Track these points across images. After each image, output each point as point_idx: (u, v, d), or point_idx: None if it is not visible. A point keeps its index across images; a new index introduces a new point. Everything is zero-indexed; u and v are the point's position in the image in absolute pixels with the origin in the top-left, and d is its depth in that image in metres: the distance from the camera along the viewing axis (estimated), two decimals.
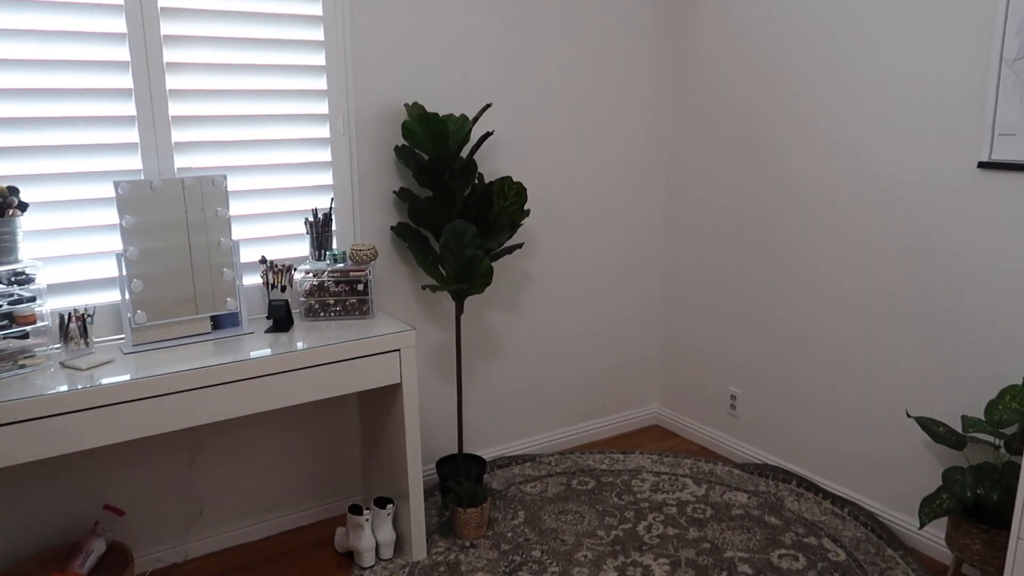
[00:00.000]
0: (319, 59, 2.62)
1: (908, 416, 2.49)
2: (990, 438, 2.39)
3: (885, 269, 2.71)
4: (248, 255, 2.58)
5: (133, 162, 2.37)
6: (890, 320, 2.72)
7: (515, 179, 3.11)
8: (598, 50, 3.23)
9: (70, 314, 2.23)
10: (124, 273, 2.27)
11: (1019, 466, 2.25)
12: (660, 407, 3.82)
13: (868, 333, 2.80)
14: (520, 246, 2.87)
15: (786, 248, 3.06)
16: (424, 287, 2.65)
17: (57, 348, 2.26)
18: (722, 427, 3.48)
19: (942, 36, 2.45)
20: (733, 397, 3.39)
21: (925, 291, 2.59)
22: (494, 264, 3.13)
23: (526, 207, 3.16)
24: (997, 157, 2.35)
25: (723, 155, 3.28)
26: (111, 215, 2.35)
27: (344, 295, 2.59)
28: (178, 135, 2.42)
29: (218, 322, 2.45)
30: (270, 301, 2.51)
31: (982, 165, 2.39)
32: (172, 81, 2.39)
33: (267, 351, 2.27)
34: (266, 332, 2.46)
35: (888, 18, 2.60)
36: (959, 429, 2.53)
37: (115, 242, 2.37)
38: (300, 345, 2.32)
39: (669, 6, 3.40)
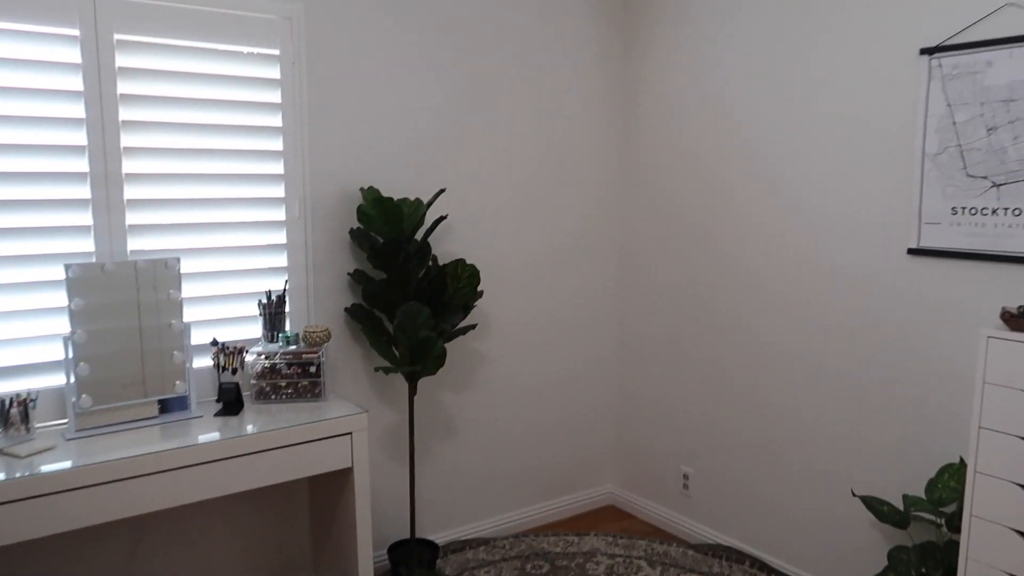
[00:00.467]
0: (276, 144, 2.67)
1: (853, 495, 2.55)
2: (932, 516, 2.45)
3: (829, 351, 2.81)
4: (200, 337, 2.57)
5: (86, 244, 2.36)
6: (836, 400, 2.80)
7: (469, 261, 3.17)
8: (550, 129, 3.36)
9: (11, 399, 2.17)
10: (71, 356, 2.23)
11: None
12: (615, 487, 3.81)
13: (815, 413, 2.88)
14: (474, 327, 2.91)
15: (736, 332, 3.15)
16: (377, 369, 2.66)
17: None
18: (676, 507, 3.48)
19: (870, 134, 2.62)
20: (686, 476, 3.42)
21: (865, 372, 2.69)
22: (448, 345, 3.15)
23: (479, 288, 3.21)
24: (925, 244, 2.49)
25: (671, 243, 3.39)
26: (59, 298, 2.33)
27: (296, 377, 2.57)
28: (133, 218, 2.43)
29: (166, 406, 2.42)
30: (220, 384, 2.49)
31: (911, 252, 2.53)
32: (128, 165, 2.41)
33: (216, 435, 2.24)
34: (215, 415, 2.43)
35: (819, 121, 2.77)
36: (902, 508, 2.58)
37: (63, 325, 2.34)
38: (250, 429, 2.30)
39: (620, 88, 3.56)
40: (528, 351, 3.43)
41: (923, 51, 2.45)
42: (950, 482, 2.36)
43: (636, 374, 3.65)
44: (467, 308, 2.89)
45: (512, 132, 3.25)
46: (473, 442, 3.32)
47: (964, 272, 2.40)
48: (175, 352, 2.40)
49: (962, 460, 2.38)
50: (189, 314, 2.53)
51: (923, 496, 2.53)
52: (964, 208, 2.39)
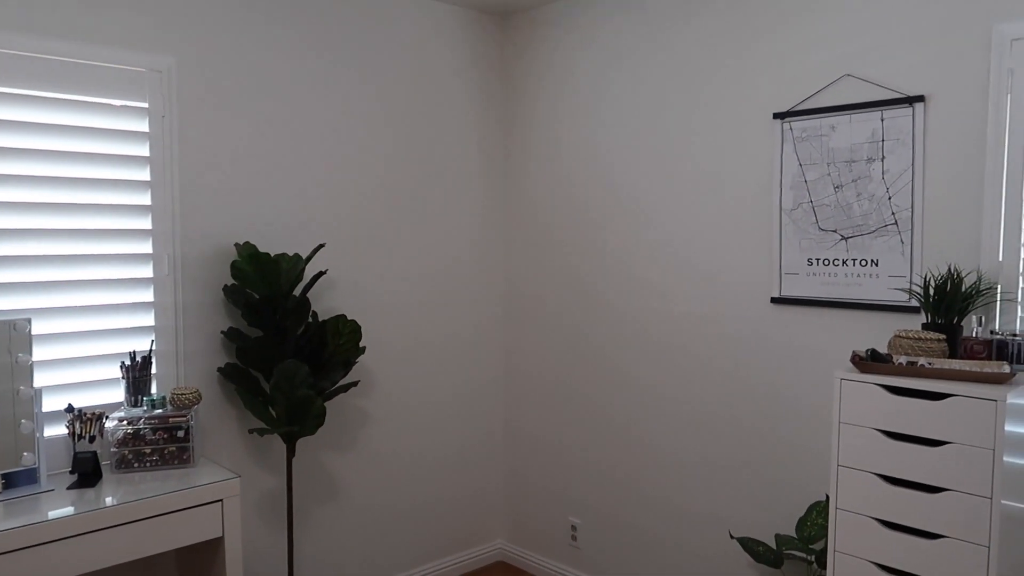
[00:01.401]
0: (144, 199, 2.56)
1: (731, 537, 2.62)
2: (803, 554, 2.54)
3: (706, 396, 2.91)
4: (55, 403, 2.39)
5: None
6: (714, 444, 2.90)
7: (350, 316, 3.11)
8: (432, 179, 3.38)
9: None
10: None
11: None
12: (504, 542, 3.77)
13: (696, 456, 2.96)
14: (356, 384, 2.84)
15: (619, 378, 3.22)
16: (252, 431, 2.54)
17: None
18: (566, 559, 3.47)
19: (734, 190, 2.78)
20: (574, 527, 3.42)
21: (739, 415, 2.80)
22: (328, 404, 3.06)
23: (361, 344, 3.15)
24: (785, 293, 2.65)
25: (555, 293, 3.46)
26: None
27: (163, 443, 2.43)
28: None
29: (12, 480, 2.21)
30: (75, 453, 2.31)
31: (774, 300, 2.68)
32: None
33: (69, 510, 2.07)
34: (68, 488, 2.24)
35: (689, 177, 2.92)
36: (776, 547, 2.67)
37: None
38: (108, 501, 2.14)
39: (503, 133, 3.64)
40: (415, 407, 3.38)
41: (776, 115, 2.64)
42: (818, 519, 2.47)
43: (520, 424, 3.65)
44: (348, 364, 2.83)
45: (393, 182, 3.25)
46: (357, 503, 3.21)
47: (821, 319, 2.56)
48: (23, 421, 2.21)
49: (828, 497, 2.50)
50: (43, 378, 2.35)
51: (794, 535, 2.63)
52: (818, 259, 2.56)
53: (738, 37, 2.75)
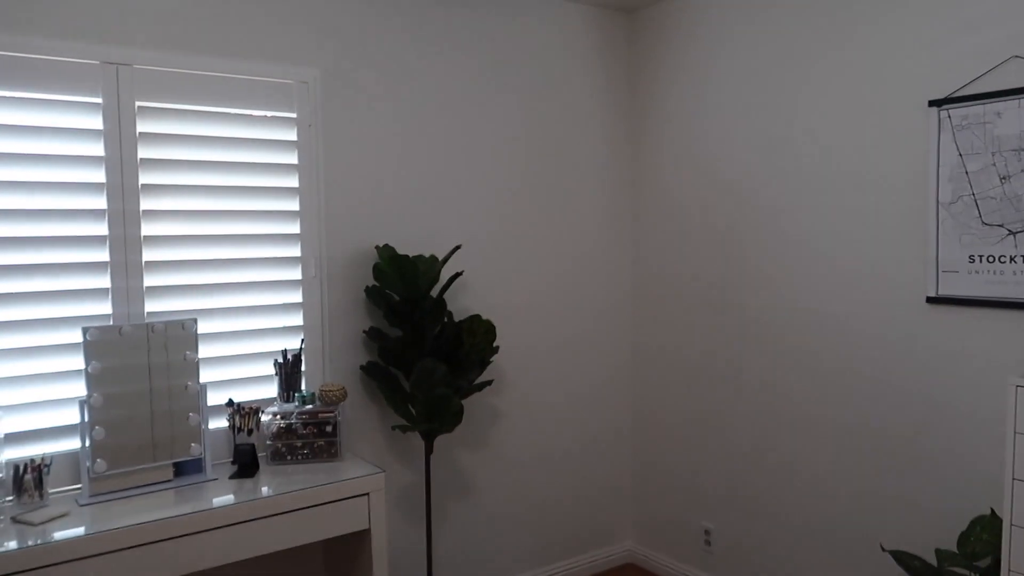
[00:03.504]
0: (293, 205, 2.70)
1: (883, 550, 2.48)
2: (966, 571, 2.38)
3: (850, 403, 2.77)
4: (215, 398, 2.55)
5: (103, 307, 2.37)
6: (858, 452, 2.75)
7: (484, 316, 3.16)
8: (560, 183, 3.39)
9: (26, 464, 2.15)
10: (87, 420, 2.22)
11: None
12: (634, 544, 3.73)
13: (838, 466, 2.82)
14: (490, 383, 2.89)
15: (756, 382, 3.12)
16: (394, 427, 2.63)
17: (9, 501, 2.16)
18: (698, 564, 3.40)
19: (883, 184, 2.63)
20: (707, 532, 3.34)
21: (888, 423, 2.65)
22: (464, 402, 3.12)
23: (495, 344, 3.20)
24: (943, 292, 2.48)
25: (689, 304, 3.38)
26: (75, 361, 2.32)
27: (312, 437, 2.55)
28: (150, 280, 2.44)
29: (181, 468, 2.39)
30: (235, 445, 2.46)
31: (930, 300, 2.51)
32: (147, 228, 2.43)
33: (231, 498, 2.21)
34: (230, 478, 2.39)
35: (833, 172, 2.79)
36: (933, 562, 2.51)
37: (78, 388, 2.32)
38: (265, 491, 2.26)
39: (627, 138, 3.60)
40: (545, 405, 3.40)
41: (931, 103, 2.47)
42: (983, 535, 2.29)
43: (654, 427, 3.60)
44: (483, 364, 2.87)
45: (525, 184, 3.27)
46: (490, 501, 3.26)
47: (984, 320, 2.38)
48: (190, 414, 2.38)
49: (993, 512, 2.32)
50: (205, 375, 2.52)
51: (955, 550, 2.46)
52: (982, 256, 2.38)
53: (893, 19, 2.59)
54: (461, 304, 3.12)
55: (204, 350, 2.52)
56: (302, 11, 2.69)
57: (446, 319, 2.90)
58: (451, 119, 3.05)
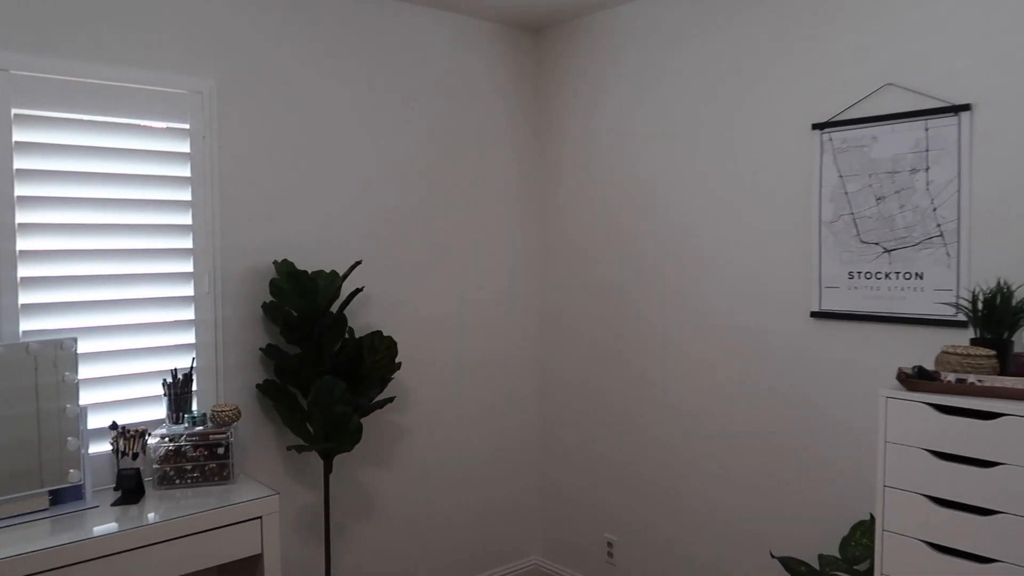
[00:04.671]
0: (186, 219, 2.61)
1: (772, 556, 2.56)
2: (846, 575, 2.48)
3: (744, 412, 2.87)
4: (99, 421, 2.43)
5: None
6: (752, 461, 2.85)
7: (386, 332, 3.13)
8: (467, 198, 3.39)
9: None
10: None
11: None
12: (540, 558, 3.74)
13: (734, 474, 2.91)
14: (392, 400, 2.85)
15: (655, 394, 3.19)
16: (290, 447, 2.56)
17: None
18: None
19: (772, 202, 2.74)
20: (610, 544, 3.38)
21: (778, 432, 2.75)
22: (365, 420, 3.08)
23: (397, 360, 3.16)
24: (825, 307, 2.60)
25: (591, 307, 3.44)
26: None
27: (203, 460, 2.45)
28: (26, 297, 2.31)
29: (59, 496, 2.26)
30: (119, 470, 2.35)
31: (814, 314, 2.63)
32: (23, 242, 2.31)
33: (113, 526, 2.10)
34: (113, 505, 2.28)
35: (726, 190, 2.89)
36: (819, 567, 2.61)
37: None
38: (151, 517, 2.17)
39: (538, 152, 3.64)
40: (447, 422, 3.38)
41: (815, 126, 2.60)
42: (862, 539, 2.40)
43: (557, 439, 3.63)
44: (385, 381, 2.84)
45: (430, 202, 3.26)
46: (393, 519, 3.21)
47: (863, 333, 2.50)
48: (69, 438, 2.26)
49: (872, 517, 2.44)
50: (87, 396, 2.40)
51: (838, 555, 2.56)
52: (860, 272, 2.51)
53: (776, 47, 2.71)
54: (363, 320, 3.08)
55: (87, 370, 2.40)
56: (197, 20, 2.62)
57: (347, 335, 2.85)
58: (353, 132, 3.02)
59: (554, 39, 3.54)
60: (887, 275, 2.45)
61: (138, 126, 2.51)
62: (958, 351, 1.99)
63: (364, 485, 3.11)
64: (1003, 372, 2.01)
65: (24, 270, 2.31)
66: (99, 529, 2.08)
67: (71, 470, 2.26)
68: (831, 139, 2.56)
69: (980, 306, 2.06)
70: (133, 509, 2.25)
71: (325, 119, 2.94)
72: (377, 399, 2.88)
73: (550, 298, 3.64)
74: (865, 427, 2.52)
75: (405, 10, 3.15)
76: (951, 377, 1.94)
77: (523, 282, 3.63)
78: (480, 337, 3.47)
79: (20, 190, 2.30)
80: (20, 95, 2.29)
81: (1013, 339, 2.05)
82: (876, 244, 2.47)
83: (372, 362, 2.79)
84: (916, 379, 1.97)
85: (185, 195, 2.61)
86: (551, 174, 3.60)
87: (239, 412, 2.53)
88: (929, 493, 1.91)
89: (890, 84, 2.43)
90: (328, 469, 2.72)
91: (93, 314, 2.44)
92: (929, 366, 2.33)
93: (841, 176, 2.54)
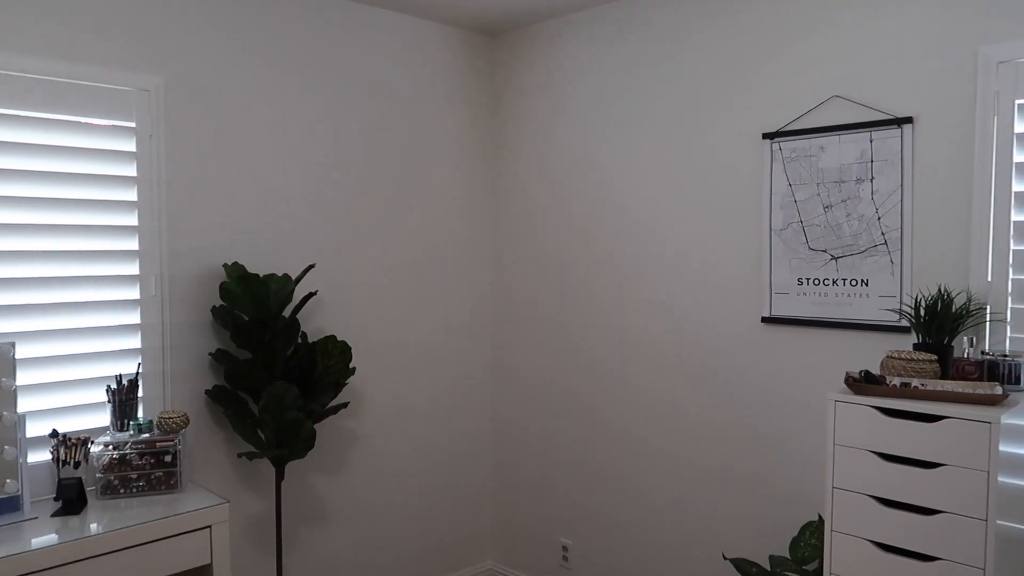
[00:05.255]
0: (131, 219, 2.53)
1: (724, 558, 2.61)
2: (796, 575, 2.53)
3: (696, 414, 2.91)
4: (38, 429, 2.34)
5: None
6: (704, 463, 2.89)
7: (340, 337, 3.08)
8: (420, 198, 3.37)
9: None
10: None
11: None
12: (495, 563, 3.73)
13: (687, 477, 2.95)
14: (345, 405, 2.81)
15: (609, 397, 3.21)
16: (241, 455, 2.51)
17: None
18: None
19: (725, 208, 2.79)
20: (565, 548, 3.39)
21: (729, 435, 2.80)
22: (318, 426, 3.03)
23: (351, 365, 3.12)
24: (776, 313, 2.65)
25: (546, 306, 3.45)
26: None
27: (149, 468, 2.38)
28: None
29: None
30: (60, 480, 2.26)
31: (765, 320, 2.68)
32: None
33: (53, 538, 2.03)
34: (53, 516, 2.20)
35: (681, 194, 2.93)
36: (770, 568, 2.66)
37: None
38: (93, 528, 2.09)
39: (490, 151, 3.64)
40: (402, 427, 3.35)
41: (765, 135, 2.65)
42: (811, 540, 2.46)
43: (511, 444, 3.63)
44: (338, 386, 2.80)
45: (385, 206, 3.23)
46: (347, 526, 3.17)
47: (811, 338, 2.57)
48: (6, 447, 2.16)
49: (821, 517, 2.50)
50: (25, 404, 2.31)
51: (788, 555, 2.62)
52: (808, 279, 2.57)
53: (730, 59, 2.77)
54: (316, 324, 3.03)
55: (24, 376, 2.31)
56: (144, 14, 2.54)
57: (299, 340, 2.80)
58: (305, 134, 2.97)
59: (511, 44, 3.54)
60: (834, 282, 2.51)
61: (82, 123, 2.43)
62: (902, 356, 2.05)
63: (317, 492, 3.06)
64: (944, 376, 2.08)
65: None
66: (38, 541, 2.00)
67: (8, 480, 2.17)
68: (781, 148, 2.62)
69: (922, 312, 2.13)
70: (75, 520, 2.17)
71: (277, 120, 2.89)
72: (331, 404, 2.84)
73: (505, 302, 3.64)
74: (814, 430, 2.58)
75: (359, 11, 3.12)
76: (896, 381, 2.00)
77: (478, 288, 3.62)
78: (435, 343, 3.45)
79: None
80: None
81: (952, 344, 2.13)
82: (824, 251, 2.54)
83: (325, 367, 2.75)
84: (863, 383, 2.03)
85: (131, 195, 2.53)
86: (507, 177, 3.60)
87: (187, 419, 2.46)
88: (875, 494, 1.96)
89: (837, 96, 2.50)
90: (280, 476, 2.67)
91: (32, 317, 2.35)
92: (875, 370, 2.40)
93: (790, 184, 2.61)
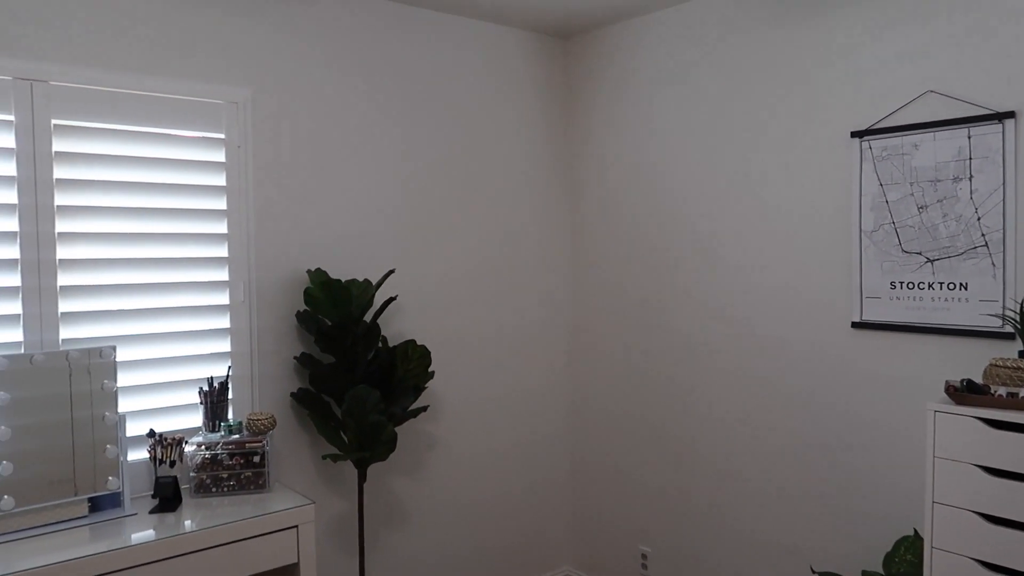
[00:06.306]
0: (221, 227, 2.62)
1: (813, 572, 2.52)
2: None
3: (781, 424, 2.82)
4: (136, 428, 2.44)
5: (13, 335, 2.25)
6: (790, 474, 2.80)
7: (419, 341, 3.12)
8: (498, 206, 3.38)
9: None
10: None
11: None
12: (571, 568, 3.71)
13: (772, 487, 2.87)
14: (425, 409, 2.84)
15: (689, 405, 3.15)
16: (325, 457, 2.56)
17: None
18: None
19: (810, 211, 2.70)
20: (644, 556, 3.35)
21: (816, 444, 2.70)
22: (398, 429, 3.07)
23: (430, 369, 3.16)
24: (867, 318, 2.55)
25: (622, 316, 3.41)
26: None
27: (239, 468, 2.46)
28: (66, 305, 2.33)
29: (98, 504, 2.27)
30: (157, 478, 2.36)
31: (855, 325, 2.58)
32: (63, 251, 2.33)
33: (150, 534, 2.11)
34: (150, 512, 2.29)
35: (760, 198, 2.85)
36: None
37: None
38: (188, 526, 2.17)
39: (566, 165, 3.62)
40: (481, 431, 3.37)
41: (854, 134, 2.56)
42: (906, 555, 2.35)
43: (590, 450, 3.60)
44: (418, 390, 2.83)
45: (460, 211, 3.26)
46: (426, 529, 3.20)
47: (906, 345, 2.46)
48: (108, 446, 2.27)
49: (916, 532, 2.39)
50: (125, 404, 2.41)
51: (881, 571, 2.51)
52: (902, 283, 2.46)
53: (811, 54, 2.68)
54: (395, 329, 3.07)
55: (124, 378, 2.42)
56: (233, 30, 2.63)
57: (380, 344, 2.85)
58: (385, 142, 3.02)
59: (584, 46, 3.52)
60: (930, 285, 2.40)
61: (175, 136, 2.53)
62: (1008, 364, 1.94)
63: (397, 495, 3.11)
64: None
65: (64, 279, 2.33)
66: (137, 537, 2.09)
67: (110, 477, 2.27)
68: (871, 147, 2.53)
69: None
70: (170, 517, 2.25)
71: (357, 129, 2.94)
72: (411, 408, 2.88)
73: (584, 310, 3.62)
74: (908, 440, 2.47)
75: (434, 19, 3.15)
76: (1001, 391, 1.90)
77: (557, 294, 3.61)
78: (513, 347, 3.46)
79: (60, 199, 2.32)
80: (60, 106, 2.31)
81: None
82: (919, 254, 2.43)
83: (405, 371, 2.79)
84: (965, 393, 1.93)
85: (221, 204, 2.62)
86: (582, 181, 3.58)
87: (274, 421, 2.53)
88: (980, 510, 1.86)
89: (931, 91, 2.39)
90: (362, 478, 2.72)
91: (131, 322, 2.45)
92: (976, 379, 2.28)
93: (882, 185, 2.50)
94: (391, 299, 2.75)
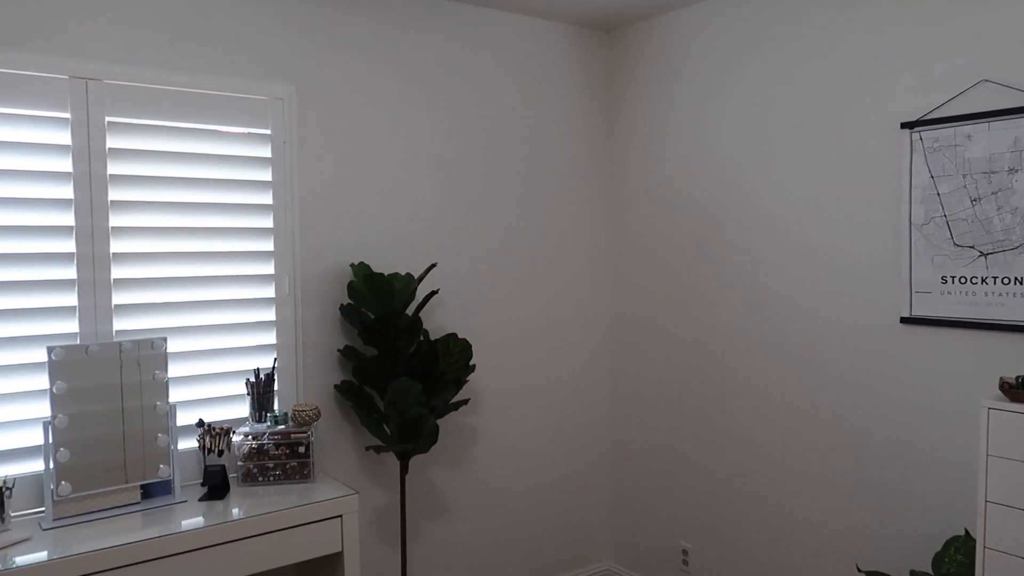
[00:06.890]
0: (267, 222, 2.67)
1: (859, 571, 2.48)
2: None
3: (829, 419, 2.78)
4: (186, 418, 2.50)
5: (70, 326, 2.32)
6: (836, 470, 2.76)
7: (460, 335, 3.14)
8: (539, 200, 3.38)
9: None
10: (51, 441, 2.16)
11: None
12: (611, 563, 3.70)
13: (817, 483, 2.83)
14: (466, 402, 2.86)
15: (733, 399, 3.12)
16: (368, 448, 2.59)
17: None
18: None
19: (858, 203, 2.65)
20: (685, 552, 3.32)
21: (865, 441, 2.65)
22: (440, 421, 3.09)
23: (471, 363, 3.17)
24: (917, 313, 2.50)
25: (664, 308, 3.39)
26: (39, 381, 2.27)
27: (284, 458, 2.50)
28: (119, 298, 2.40)
29: (150, 491, 2.34)
30: (206, 467, 2.41)
31: (904, 320, 2.53)
32: (116, 245, 2.39)
33: (200, 521, 2.16)
34: (200, 500, 2.34)
35: (808, 191, 2.81)
36: None
37: (42, 409, 2.27)
38: (236, 513, 2.22)
39: (607, 158, 3.61)
40: (521, 424, 3.37)
41: (904, 125, 2.50)
42: (957, 555, 2.30)
43: (630, 443, 3.58)
44: (459, 383, 2.85)
45: (502, 205, 3.27)
46: (467, 520, 3.22)
47: (958, 341, 2.40)
48: (159, 435, 2.33)
49: (967, 532, 2.33)
50: (175, 395, 2.47)
51: (930, 571, 2.46)
52: (954, 277, 2.40)
53: (859, 43, 2.62)
54: (437, 322, 3.09)
55: (174, 369, 2.48)
56: (277, 27, 2.67)
57: (422, 338, 2.87)
58: (425, 136, 3.04)
59: (626, 39, 3.50)
60: (983, 280, 2.34)
61: (222, 132, 2.57)
62: None
63: (439, 487, 3.13)
64: None
65: (117, 272, 2.40)
66: (188, 523, 2.14)
67: (161, 465, 2.33)
68: (921, 138, 2.47)
69: None
70: (219, 505, 2.30)
71: (400, 123, 2.97)
72: (452, 401, 2.90)
73: (624, 301, 3.60)
74: (958, 439, 2.41)
75: (476, 14, 3.16)
76: None
77: (597, 284, 3.60)
78: (553, 340, 3.46)
79: (113, 195, 2.38)
80: (113, 103, 2.38)
81: None
82: (971, 247, 2.36)
83: (447, 364, 2.81)
84: (1020, 390, 1.88)
85: (267, 199, 2.67)
86: (624, 174, 3.56)
87: (319, 412, 2.57)
88: None
89: (986, 80, 2.32)
90: (404, 470, 2.75)
91: (181, 314, 2.51)
92: None
93: (932, 176, 2.44)
94: (433, 292, 2.77)
